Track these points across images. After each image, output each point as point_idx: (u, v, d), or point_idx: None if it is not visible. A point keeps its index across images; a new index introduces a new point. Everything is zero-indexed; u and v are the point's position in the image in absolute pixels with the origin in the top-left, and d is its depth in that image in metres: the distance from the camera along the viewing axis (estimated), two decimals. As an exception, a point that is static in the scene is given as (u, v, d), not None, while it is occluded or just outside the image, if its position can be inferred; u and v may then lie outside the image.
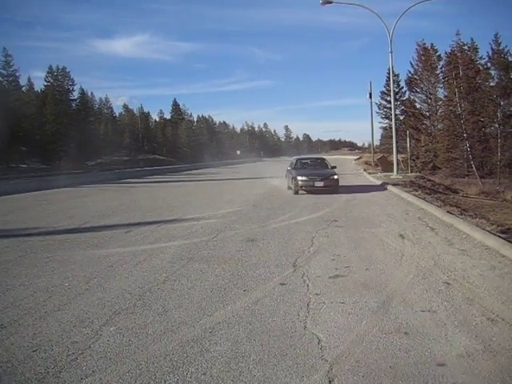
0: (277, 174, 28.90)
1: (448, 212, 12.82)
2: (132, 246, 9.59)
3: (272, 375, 3.94)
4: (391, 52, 26.92)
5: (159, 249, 9.19)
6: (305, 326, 4.97)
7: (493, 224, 11.69)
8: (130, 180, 36.23)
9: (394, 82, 64.70)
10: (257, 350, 4.42)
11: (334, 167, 21.26)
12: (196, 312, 5.53)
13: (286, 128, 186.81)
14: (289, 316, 5.29)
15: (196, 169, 59.90)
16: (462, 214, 13.03)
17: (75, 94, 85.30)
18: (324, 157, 25.48)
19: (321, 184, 18.94)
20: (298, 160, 22.71)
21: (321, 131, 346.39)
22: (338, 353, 4.32)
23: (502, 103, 49.05)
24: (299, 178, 19.22)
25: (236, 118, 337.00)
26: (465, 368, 4.00)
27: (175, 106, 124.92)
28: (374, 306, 5.56)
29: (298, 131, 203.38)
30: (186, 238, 10.30)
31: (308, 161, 23.12)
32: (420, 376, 3.87)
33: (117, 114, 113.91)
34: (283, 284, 6.56)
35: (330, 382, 3.80)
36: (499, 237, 8.77)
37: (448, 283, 6.33)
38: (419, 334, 4.71)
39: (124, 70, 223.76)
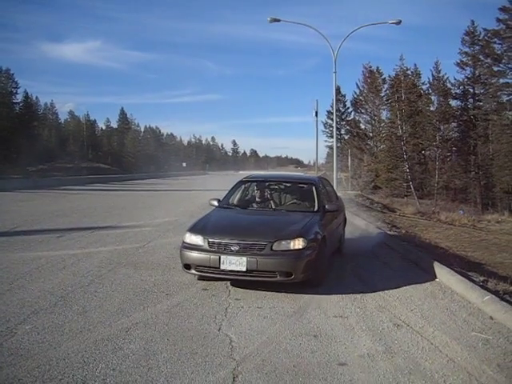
0: (217, 187, 28.99)
1: (377, 228, 13.30)
2: (62, 250, 9.51)
3: (179, 371, 4.06)
4: (335, 72, 27.61)
5: (89, 254, 9.16)
6: (219, 328, 5.13)
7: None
8: (70, 187, 35.50)
9: (340, 102, 66.31)
10: (169, 349, 4.53)
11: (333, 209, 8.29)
12: (115, 313, 5.60)
13: (234, 142, 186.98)
14: (206, 318, 5.45)
15: (140, 179, 59.29)
16: (390, 230, 13.53)
17: (19, 98, 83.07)
18: (315, 178, 9.52)
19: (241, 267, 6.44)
20: (248, 182, 9.15)
21: (268, 147, 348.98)
22: (246, 352, 4.49)
23: (441, 127, 51.02)
24: (190, 238, 6.91)
25: (184, 130, 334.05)
26: (364, 367, 4.23)
27: (122, 114, 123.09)
28: (289, 312, 5.77)
29: (245, 146, 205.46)
30: (117, 244, 10.30)
31: (275, 185, 9.25)
32: (320, 374, 4.07)
33: (62, 121, 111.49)
34: (205, 289, 6.71)
35: (234, 378, 3.95)
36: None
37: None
38: (327, 336, 4.94)
39: (72, 76, 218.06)
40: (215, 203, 8.34)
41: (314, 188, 8.42)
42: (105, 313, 5.60)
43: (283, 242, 6.41)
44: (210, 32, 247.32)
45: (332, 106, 70.56)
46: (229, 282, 6.96)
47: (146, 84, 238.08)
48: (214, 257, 6.39)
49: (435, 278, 7.46)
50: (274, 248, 6.34)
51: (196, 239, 6.70)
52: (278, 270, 6.29)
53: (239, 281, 6.72)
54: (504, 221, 34.66)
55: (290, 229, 6.80)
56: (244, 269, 6.27)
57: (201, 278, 7.10)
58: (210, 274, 6.60)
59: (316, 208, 7.92)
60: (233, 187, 8.90)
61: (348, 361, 4.36)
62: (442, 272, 7.53)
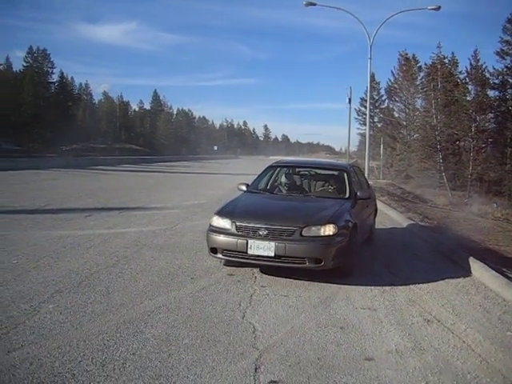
0: (248, 171, 28.88)
1: (408, 218, 13.03)
2: (89, 229, 9.52)
3: (200, 359, 3.95)
4: (370, 58, 27.25)
5: (116, 234, 9.14)
6: (243, 315, 5.01)
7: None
8: (102, 167, 35.88)
9: (374, 90, 65.52)
10: (191, 335, 4.43)
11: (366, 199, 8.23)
12: (138, 296, 5.53)
13: (265, 127, 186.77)
14: (230, 305, 5.33)
15: (171, 161, 59.59)
16: (422, 221, 13.22)
17: (54, 77, 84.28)
18: (347, 165, 9.24)
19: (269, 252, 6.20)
20: (278, 168, 8.96)
21: (300, 133, 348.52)
22: (270, 342, 4.36)
23: (477, 118, 49.77)
24: (218, 221, 6.71)
25: (216, 113, 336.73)
26: (391, 363, 4.06)
27: (155, 97, 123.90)
28: (316, 301, 5.62)
29: (277, 131, 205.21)
30: (145, 225, 10.27)
31: (306, 171, 9.40)
32: (346, 368, 3.92)
33: (96, 102, 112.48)
34: (231, 275, 6.59)
35: (256, 369, 3.82)
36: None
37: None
38: (354, 329, 4.78)
39: (107, 58, 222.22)
40: (243, 188, 8.09)
41: (345, 175, 8.15)
42: (128, 295, 5.54)
43: (313, 228, 6.19)
44: (244, 15, 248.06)
45: (366, 93, 70.62)
46: (255, 269, 6.84)
47: (180, 67, 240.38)
48: (241, 241, 6.20)
49: (469, 272, 7.18)
50: (303, 234, 6.13)
51: (223, 223, 6.51)
52: (307, 256, 6.07)
53: (266, 267, 6.61)
54: (539, 215, 33.91)
55: (321, 214, 6.56)
56: (272, 254, 6.07)
57: (227, 264, 6.95)
58: (237, 258, 6.40)
59: (347, 195, 7.68)
60: (262, 172, 8.70)
61: (375, 356, 4.19)
62: (475, 267, 7.25)
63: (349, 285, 6.31)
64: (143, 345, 4.18)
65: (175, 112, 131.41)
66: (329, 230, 6.22)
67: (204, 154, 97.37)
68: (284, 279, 6.43)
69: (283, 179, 8.55)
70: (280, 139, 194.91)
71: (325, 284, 6.31)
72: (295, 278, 6.44)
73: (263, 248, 6.13)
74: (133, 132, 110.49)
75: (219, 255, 6.52)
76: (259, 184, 8.40)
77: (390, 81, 65.00)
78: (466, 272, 7.21)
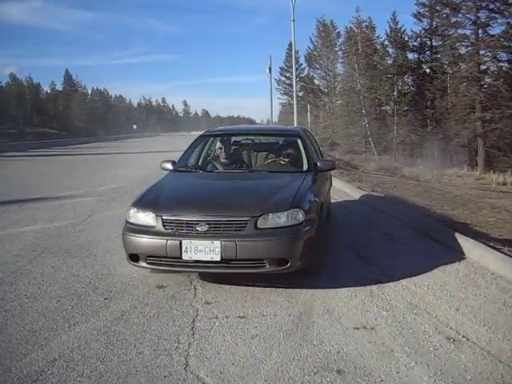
0: (170, 148, 26.83)
1: (358, 188, 11.72)
2: (-27, 232, 7.40)
3: None
4: (293, 20, 25.51)
5: (8, 236, 7.08)
6: (186, 363, 3.26)
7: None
8: (10, 154, 32.54)
9: (293, 58, 64.43)
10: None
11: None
12: (22, 342, 3.63)
13: (185, 103, 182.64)
14: (163, 344, 3.55)
15: (88, 143, 55.97)
16: (373, 191, 11.93)
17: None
18: (298, 129, 7.48)
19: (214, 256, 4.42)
20: (211, 138, 7.07)
21: (220, 107, 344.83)
22: (236, 418, 2.65)
23: (398, 81, 49.67)
24: (137, 216, 4.81)
25: (134, 92, 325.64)
26: None
27: (67, 77, 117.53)
28: (288, 323, 3.93)
29: (197, 107, 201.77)
30: (49, 220, 8.22)
31: (249, 139, 7.51)
32: None
33: (4, 84, 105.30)
34: (161, 287, 4.80)
35: None
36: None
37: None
38: (359, 370, 3.14)
39: (13, 38, 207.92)
40: (169, 166, 6.16)
41: (299, 141, 6.37)
42: (5, 343, 3.63)
43: (272, 216, 4.46)
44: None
45: (285, 63, 69.59)
46: (193, 274, 5.06)
47: (93, 45, 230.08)
48: (172, 242, 4.39)
49: (461, 254, 5.73)
50: (259, 225, 4.40)
51: (145, 217, 4.65)
52: (267, 256, 4.36)
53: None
54: (464, 175, 34.14)
55: (279, 196, 4.82)
56: (218, 258, 4.32)
57: (154, 270, 5.07)
58: (168, 267, 4.57)
59: (305, 167, 5.93)
60: (192, 144, 6.79)
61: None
62: (466, 246, 5.83)
63: (323, 288, 4.68)
64: None
65: (90, 92, 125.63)
66: (294, 216, 4.51)
67: (123, 134, 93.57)
68: (235, 287, 4.72)
69: (220, 152, 6.45)
70: (200, 114, 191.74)
71: (291, 290, 4.64)
72: (250, 285, 4.75)
73: (204, 250, 4.34)
74: (46, 115, 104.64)
75: (142, 264, 4.62)
76: (189, 160, 6.55)
77: (310, 48, 64.00)
78: (458, 253, 5.76)
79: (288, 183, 5.30)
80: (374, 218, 8.21)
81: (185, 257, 4.35)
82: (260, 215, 4.43)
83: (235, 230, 4.38)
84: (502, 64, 42.20)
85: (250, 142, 7.24)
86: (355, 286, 4.70)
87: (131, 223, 4.72)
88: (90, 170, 19.08)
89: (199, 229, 4.41)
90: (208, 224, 4.42)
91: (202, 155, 6.81)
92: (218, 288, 4.71)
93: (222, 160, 6.38)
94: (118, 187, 12.48)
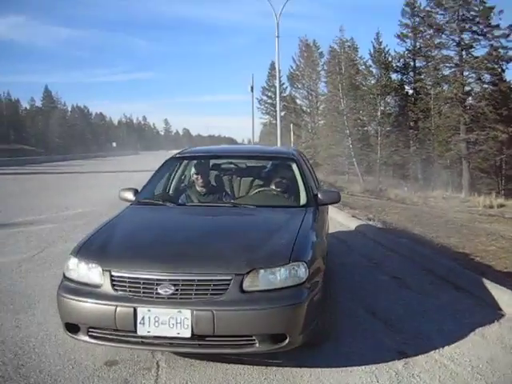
0: (148, 167, 25.45)
1: (353, 216, 10.64)
2: None
3: None
4: (278, 36, 24.54)
5: None
6: None
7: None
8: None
9: (275, 78, 63.55)
10: None
11: None
12: None
13: (166, 122, 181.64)
14: None
15: (64, 160, 54.35)
16: (369, 219, 10.88)
17: None
18: (292, 151, 5.91)
19: (181, 331, 3.13)
20: (184, 161, 5.82)
21: (201, 126, 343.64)
22: None
23: (381, 102, 49.22)
24: (78, 268, 3.47)
25: (114, 110, 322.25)
26: None
27: (47, 93, 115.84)
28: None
29: (178, 125, 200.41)
30: (-8, 255, 6.92)
31: (231, 163, 5.99)
32: None
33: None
34: (111, 365, 3.52)
35: None
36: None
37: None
38: None
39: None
40: (129, 196, 4.84)
41: (295, 166, 5.09)
42: None
43: (264, 274, 3.22)
44: (139, 9, 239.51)
45: (267, 83, 68.91)
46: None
47: (74, 62, 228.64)
48: (123, 310, 3.13)
49: (499, 310, 4.56)
50: (246, 287, 3.16)
51: (88, 272, 3.37)
52: (256, 331, 3.12)
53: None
54: (449, 197, 33.42)
55: (274, 243, 3.54)
56: (187, 333, 3.06)
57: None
58: (118, 343, 3.28)
59: (304, 200, 4.64)
60: (160, 168, 5.42)
61: None
62: (502, 297, 4.67)
63: (330, 367, 3.45)
64: None
65: (70, 109, 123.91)
66: (294, 273, 3.26)
67: (102, 152, 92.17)
68: (212, 367, 3.48)
69: (196, 179, 5.09)
70: (181, 133, 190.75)
71: (287, 370, 3.42)
72: (234, 361, 3.51)
73: (168, 322, 3.08)
74: (24, 132, 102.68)
75: (83, 337, 3.32)
76: (156, 189, 5.23)
77: (292, 68, 63.48)
78: (493, 308, 4.59)
79: (283, 223, 4.02)
80: (377, 256, 7.04)
81: (141, 331, 3.10)
82: (248, 272, 3.18)
83: (213, 294, 3.14)
84: (486, 86, 41.89)
85: (233, 166, 5.89)
86: (374, 363, 3.49)
87: (70, 279, 3.43)
88: (59, 189, 17.73)
89: (162, 291, 3.14)
90: (174, 284, 3.15)
91: (173, 183, 5.52)
92: (189, 368, 3.46)
93: (198, 189, 5.08)
94: (84, 212, 11.15)
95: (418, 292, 5.21)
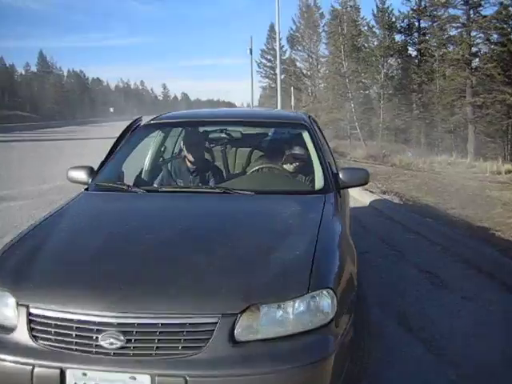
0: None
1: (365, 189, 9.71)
2: None
3: None
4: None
5: None
6: None
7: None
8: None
9: (274, 41, 61.86)
10: None
11: None
12: None
13: (164, 86, 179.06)
14: None
15: (58, 126, 53.05)
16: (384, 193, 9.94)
17: None
18: (303, 116, 4.56)
19: None
20: (159, 130, 4.65)
21: (200, 91, 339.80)
22: None
23: (384, 65, 47.91)
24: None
25: (112, 74, 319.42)
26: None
27: (41, 58, 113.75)
28: None
29: (176, 90, 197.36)
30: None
31: (223, 132, 4.82)
32: None
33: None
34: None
35: None
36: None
37: None
38: None
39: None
40: (82, 177, 3.68)
41: (307, 135, 3.89)
42: None
43: (268, 311, 2.11)
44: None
45: (266, 45, 67.24)
46: None
47: (70, 26, 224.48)
48: (44, 372, 2.02)
49: None
50: (238, 335, 2.07)
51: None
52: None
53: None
54: (454, 162, 32.43)
55: (281, 260, 2.36)
56: None
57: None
58: None
59: (321, 182, 3.43)
60: (129, 137, 4.06)
61: None
62: None
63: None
64: None
65: (66, 74, 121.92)
66: (314, 310, 2.17)
67: (100, 117, 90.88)
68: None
69: (177, 153, 4.14)
70: (180, 98, 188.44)
71: None
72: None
73: None
74: (19, 97, 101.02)
75: None
76: (118, 166, 3.91)
77: (292, 29, 61.81)
78: None
79: (295, 223, 2.79)
80: (401, 241, 6.00)
81: None
82: (242, 311, 2.08)
83: (186, 348, 2.04)
84: (495, 47, 40.35)
85: (226, 136, 4.72)
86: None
87: None
88: (41, 158, 16.60)
89: (105, 343, 2.04)
90: (125, 332, 2.06)
91: (147, 159, 4.42)
92: None
93: (183, 168, 3.97)
94: (64, 186, 10.05)
95: (461, 295, 4.14)
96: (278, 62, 28.06)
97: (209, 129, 4.79)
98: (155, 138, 4.58)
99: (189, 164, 3.94)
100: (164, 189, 3.68)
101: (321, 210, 2.96)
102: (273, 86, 61.25)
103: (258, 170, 3.93)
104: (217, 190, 3.43)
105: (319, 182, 3.47)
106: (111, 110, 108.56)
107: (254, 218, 3.08)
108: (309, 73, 60.59)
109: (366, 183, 3.66)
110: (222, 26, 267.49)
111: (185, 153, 3.99)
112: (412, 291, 4.23)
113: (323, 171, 3.51)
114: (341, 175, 3.52)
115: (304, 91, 59.81)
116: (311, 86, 59.97)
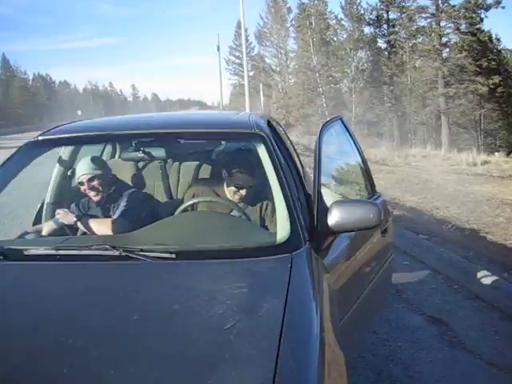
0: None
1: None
2: None
3: None
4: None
5: None
6: None
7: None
8: None
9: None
10: None
11: None
12: None
13: (133, 87, 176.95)
14: None
15: (18, 133, 51.45)
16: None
17: None
18: (257, 120, 2.85)
19: None
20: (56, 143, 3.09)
21: (170, 90, 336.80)
22: None
23: (354, 58, 47.62)
24: None
25: (79, 77, 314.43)
26: None
27: (4, 62, 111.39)
28: None
29: (146, 90, 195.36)
30: None
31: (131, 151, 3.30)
32: None
33: None
34: None
35: None
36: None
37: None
38: None
39: None
40: None
41: (263, 149, 2.44)
42: None
43: None
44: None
45: (235, 42, 66.33)
46: None
47: (36, 29, 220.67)
48: None
49: None
50: None
51: None
52: None
53: None
54: (429, 155, 32.08)
55: None
56: None
57: None
58: None
59: (287, 229, 2.05)
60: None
61: None
62: None
63: None
64: None
65: (31, 78, 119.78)
66: None
67: (67, 120, 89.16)
68: None
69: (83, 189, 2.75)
70: (150, 98, 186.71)
71: None
72: None
73: None
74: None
75: None
76: None
77: (260, 25, 61.02)
78: None
79: (238, 331, 1.44)
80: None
81: None
82: None
83: None
84: (465, 36, 39.99)
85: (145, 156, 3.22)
86: None
87: None
88: None
89: None
90: None
91: (51, 188, 3.22)
92: None
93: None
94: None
95: (486, 360, 3.02)
96: (244, 58, 26.91)
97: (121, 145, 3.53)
98: (61, 155, 3.31)
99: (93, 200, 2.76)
100: (46, 253, 2.13)
101: (284, 289, 1.65)
102: (242, 83, 60.47)
103: (190, 206, 2.67)
104: (109, 253, 2.01)
105: (282, 229, 2.13)
106: (79, 112, 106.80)
107: (173, 316, 1.62)
108: (278, 68, 59.94)
109: (378, 225, 2.22)
110: (192, 24, 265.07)
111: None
112: (424, 355, 3.14)
113: (288, 208, 2.17)
114: (333, 211, 2.15)
115: (274, 87, 59.14)
116: (281, 82, 59.29)
